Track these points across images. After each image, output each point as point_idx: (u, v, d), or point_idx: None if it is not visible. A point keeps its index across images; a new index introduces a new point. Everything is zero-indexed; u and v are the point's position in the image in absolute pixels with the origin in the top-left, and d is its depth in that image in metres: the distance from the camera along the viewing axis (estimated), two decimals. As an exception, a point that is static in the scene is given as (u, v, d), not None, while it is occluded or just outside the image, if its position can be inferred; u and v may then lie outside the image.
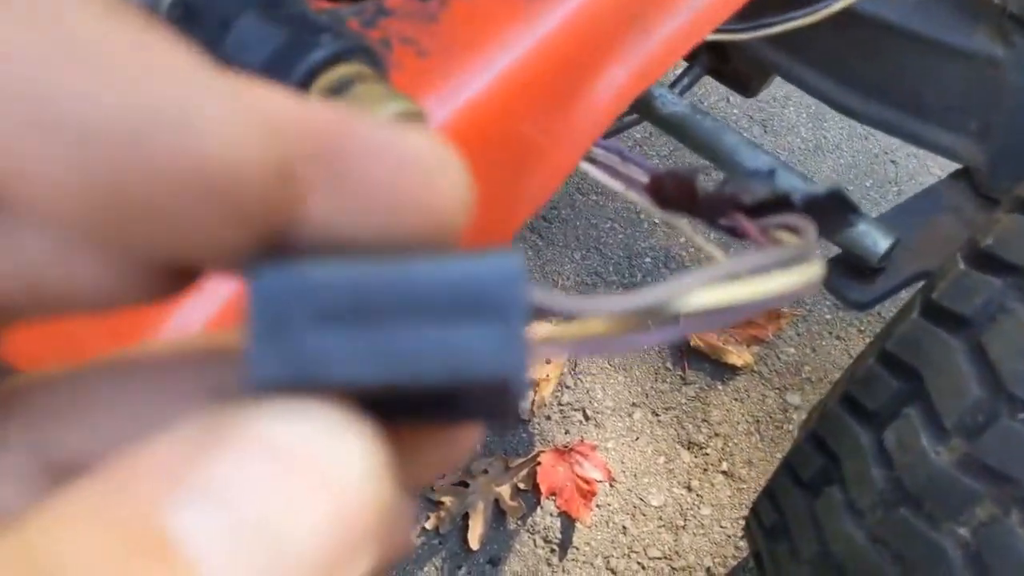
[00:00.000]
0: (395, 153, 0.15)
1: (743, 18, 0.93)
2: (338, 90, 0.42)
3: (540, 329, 0.17)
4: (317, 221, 0.15)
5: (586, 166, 0.61)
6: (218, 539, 0.13)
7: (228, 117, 0.13)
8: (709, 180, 0.38)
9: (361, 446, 0.14)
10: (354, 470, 0.14)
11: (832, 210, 0.27)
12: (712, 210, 0.32)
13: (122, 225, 0.13)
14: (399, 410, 0.16)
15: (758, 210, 0.29)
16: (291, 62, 0.41)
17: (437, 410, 0.17)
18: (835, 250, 0.96)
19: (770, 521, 0.89)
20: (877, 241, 0.90)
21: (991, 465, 0.66)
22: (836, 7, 0.79)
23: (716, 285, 0.19)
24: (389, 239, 0.16)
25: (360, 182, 0.15)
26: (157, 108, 0.13)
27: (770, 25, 0.77)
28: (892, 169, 1.65)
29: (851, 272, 0.95)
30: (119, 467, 0.13)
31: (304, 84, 0.41)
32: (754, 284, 0.19)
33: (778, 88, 1.73)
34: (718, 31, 0.76)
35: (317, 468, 0.14)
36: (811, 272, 0.21)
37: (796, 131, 1.69)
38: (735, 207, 0.30)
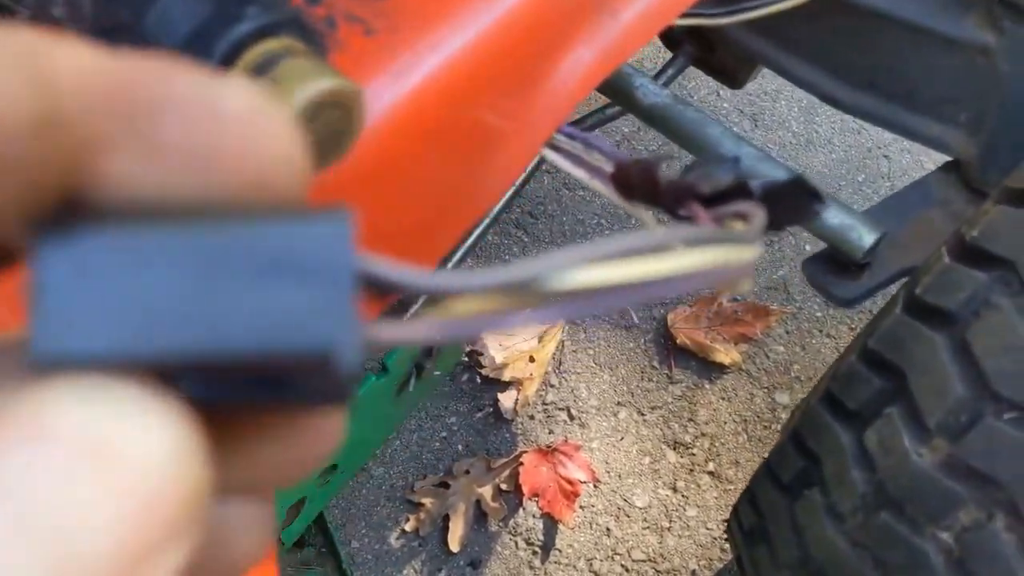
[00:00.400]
0: (207, 105, 0.14)
1: (723, 2, 0.90)
2: (264, 66, 0.39)
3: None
4: (123, 181, 0.14)
5: (549, 154, 0.58)
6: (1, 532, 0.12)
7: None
8: (672, 169, 0.35)
9: (162, 428, 0.13)
10: (153, 455, 0.13)
11: (794, 198, 0.26)
12: (673, 199, 0.30)
13: None
14: (220, 392, 0.15)
15: (717, 199, 0.27)
16: (214, 36, 0.39)
17: (263, 392, 0.15)
18: (821, 245, 0.93)
19: (750, 524, 0.86)
20: (863, 236, 0.87)
21: (975, 467, 0.64)
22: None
23: (602, 262, 0.16)
24: (210, 199, 0.14)
25: (169, 138, 0.14)
26: None
27: (748, 10, 0.74)
28: (885, 164, 1.62)
29: (837, 268, 0.92)
30: None
31: (228, 60, 0.39)
32: (647, 264, 0.17)
33: (769, 82, 1.70)
34: (695, 15, 0.74)
35: (109, 454, 0.13)
36: (727, 256, 0.19)
37: (787, 125, 1.66)
38: (694, 196, 0.29)
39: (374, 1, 0.49)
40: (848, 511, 0.72)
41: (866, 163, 1.63)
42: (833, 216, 0.88)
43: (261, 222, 0.14)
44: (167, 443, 0.13)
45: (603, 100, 1.07)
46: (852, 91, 0.99)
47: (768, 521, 0.82)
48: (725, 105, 1.68)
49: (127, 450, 0.13)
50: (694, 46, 1.13)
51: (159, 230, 0.14)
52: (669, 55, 1.17)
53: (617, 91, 0.98)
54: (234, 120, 0.14)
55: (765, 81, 1.64)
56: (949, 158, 0.97)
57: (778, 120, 1.67)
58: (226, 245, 0.14)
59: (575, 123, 1.21)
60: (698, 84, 1.69)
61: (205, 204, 0.14)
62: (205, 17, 0.39)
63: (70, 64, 0.13)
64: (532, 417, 1.39)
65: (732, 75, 1.16)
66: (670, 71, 1.12)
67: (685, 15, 0.71)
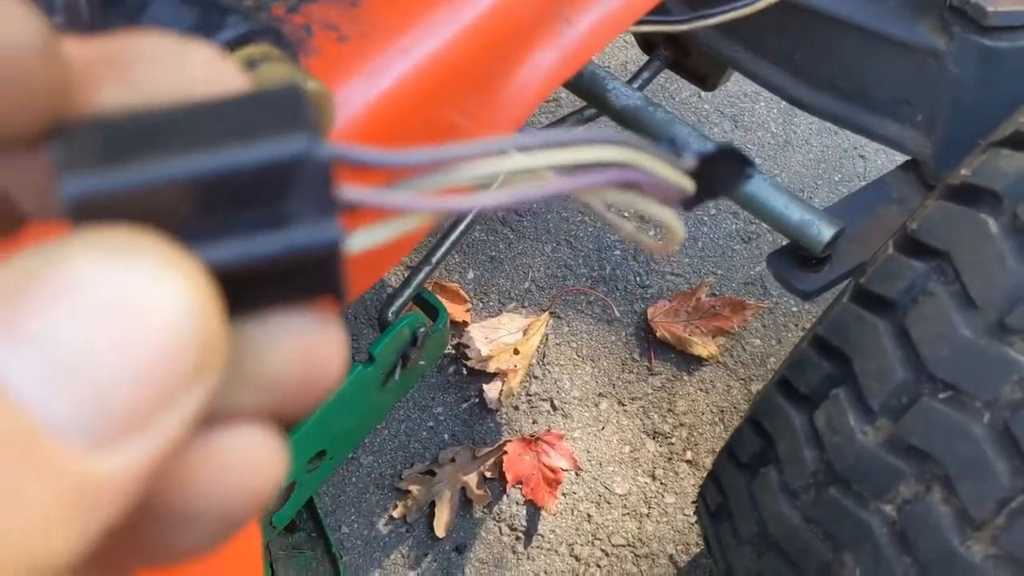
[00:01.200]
0: (178, 55, 0.18)
1: (690, 7, 0.95)
2: (243, 70, 0.43)
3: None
4: (113, 105, 0.17)
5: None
6: (36, 375, 0.14)
7: (4, 8, 0.16)
8: None
9: (177, 282, 0.15)
10: (169, 308, 0.15)
11: (727, 165, 0.28)
12: None
13: None
14: (228, 251, 0.17)
15: None
16: (199, 43, 0.43)
17: (264, 245, 0.17)
18: (783, 240, 0.98)
19: (715, 504, 0.91)
20: (821, 231, 0.92)
21: (914, 444, 0.68)
22: (773, -1, 0.81)
23: (537, 150, 0.20)
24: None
25: (150, 77, 0.18)
26: None
27: (707, 16, 0.79)
28: (861, 164, 1.67)
29: (799, 262, 0.97)
30: None
31: (211, 65, 0.43)
32: (576, 153, 0.20)
33: (749, 84, 1.74)
34: (653, 22, 0.78)
35: (133, 305, 0.14)
36: (651, 164, 0.21)
37: (766, 126, 1.71)
38: None
39: (348, 10, 0.54)
40: (801, 488, 0.77)
41: (843, 163, 1.67)
42: (794, 212, 0.93)
43: (220, 99, 0.17)
44: (183, 297, 0.15)
45: (581, 102, 1.12)
46: (815, 93, 1.03)
47: (730, 500, 0.87)
48: (706, 106, 1.73)
49: (146, 304, 0.14)
50: (669, 50, 1.18)
51: (144, 116, 0.17)
52: (645, 58, 1.21)
53: (591, 94, 1.02)
54: (192, 59, 0.18)
55: (745, 83, 1.69)
56: (905, 158, 1.02)
57: (757, 121, 1.71)
58: (201, 116, 0.17)
59: (556, 123, 1.26)
60: (680, 86, 1.74)
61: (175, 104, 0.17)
62: (190, 25, 0.44)
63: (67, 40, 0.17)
64: (516, 408, 1.43)
65: (705, 78, 1.20)
66: (645, 74, 1.16)
67: (643, 21, 0.75)
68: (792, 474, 0.77)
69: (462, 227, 1.09)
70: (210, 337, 0.15)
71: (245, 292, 0.17)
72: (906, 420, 0.68)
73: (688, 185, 0.23)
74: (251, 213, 0.17)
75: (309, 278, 0.18)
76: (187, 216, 0.16)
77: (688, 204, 0.24)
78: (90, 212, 0.16)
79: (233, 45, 0.43)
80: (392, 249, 0.62)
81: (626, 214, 1.36)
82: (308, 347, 0.18)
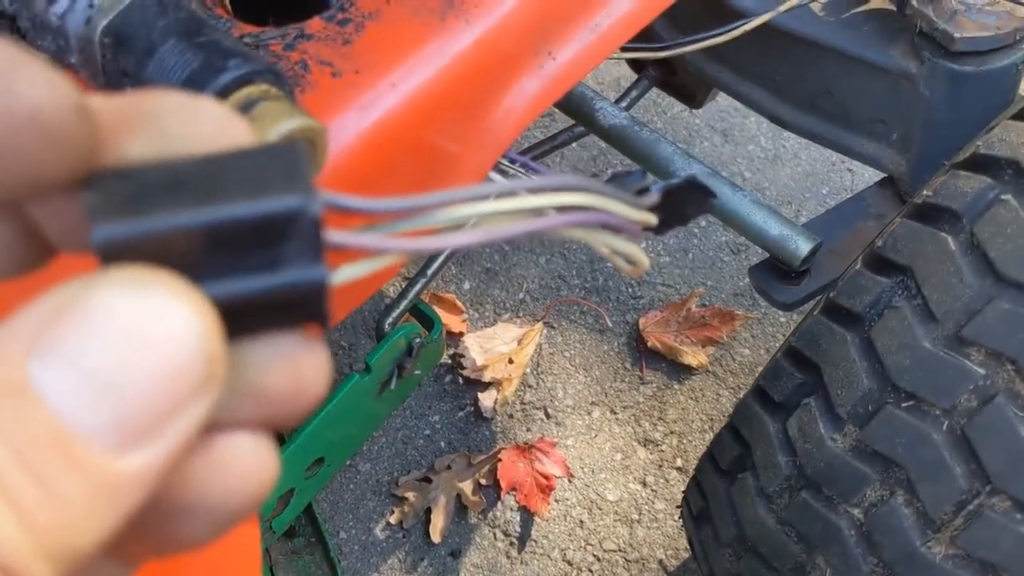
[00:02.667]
0: (193, 111, 0.21)
1: (679, 29, 0.99)
2: (245, 108, 0.47)
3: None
4: (139, 158, 0.20)
5: (495, 176, 0.67)
6: (69, 387, 0.16)
7: (43, 77, 0.18)
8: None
9: (189, 310, 0.18)
10: (182, 331, 0.17)
11: (690, 195, 0.30)
12: None
13: None
14: (230, 286, 0.19)
15: None
16: (203, 83, 0.47)
17: (258, 282, 0.20)
18: (764, 254, 1.02)
19: (697, 507, 0.94)
20: (799, 245, 0.96)
21: (879, 450, 0.72)
22: (751, 25, 0.85)
23: (506, 198, 0.22)
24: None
25: (168, 130, 0.21)
26: None
27: (689, 43, 0.83)
28: (848, 177, 1.71)
29: (779, 275, 1.00)
30: None
31: (215, 102, 0.47)
32: (539, 200, 0.22)
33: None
34: (638, 49, 0.82)
35: (150, 330, 0.17)
36: (613, 207, 0.24)
37: (756, 140, 1.75)
38: None
39: (341, 47, 0.58)
40: (775, 492, 0.80)
41: (830, 176, 1.71)
42: (773, 227, 0.97)
43: (230, 154, 0.20)
44: (190, 324, 0.17)
45: (570, 120, 1.16)
46: (796, 112, 1.07)
47: (711, 504, 0.90)
48: (697, 121, 1.77)
49: (161, 330, 0.17)
50: (657, 70, 1.22)
51: (168, 165, 0.20)
52: (634, 77, 1.26)
53: (580, 113, 1.06)
54: (204, 116, 0.21)
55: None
56: (884, 175, 1.06)
57: (747, 135, 1.75)
58: (212, 169, 0.19)
59: (548, 139, 1.30)
60: (671, 102, 1.78)
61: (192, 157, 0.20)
62: (195, 68, 0.48)
63: (95, 97, 0.20)
64: (511, 416, 1.47)
65: (692, 96, 1.25)
66: (634, 92, 1.20)
67: (626, 48, 0.79)
68: (767, 479, 0.81)
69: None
70: (213, 357, 0.18)
71: (243, 320, 0.20)
72: (871, 427, 0.72)
73: (649, 220, 0.25)
74: (252, 255, 0.19)
75: (298, 310, 0.20)
76: (197, 257, 0.19)
77: (658, 230, 0.28)
78: (116, 253, 0.18)
79: (235, 86, 0.47)
80: (378, 275, 0.66)
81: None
82: (296, 366, 0.20)
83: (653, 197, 0.26)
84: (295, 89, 0.54)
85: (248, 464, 0.20)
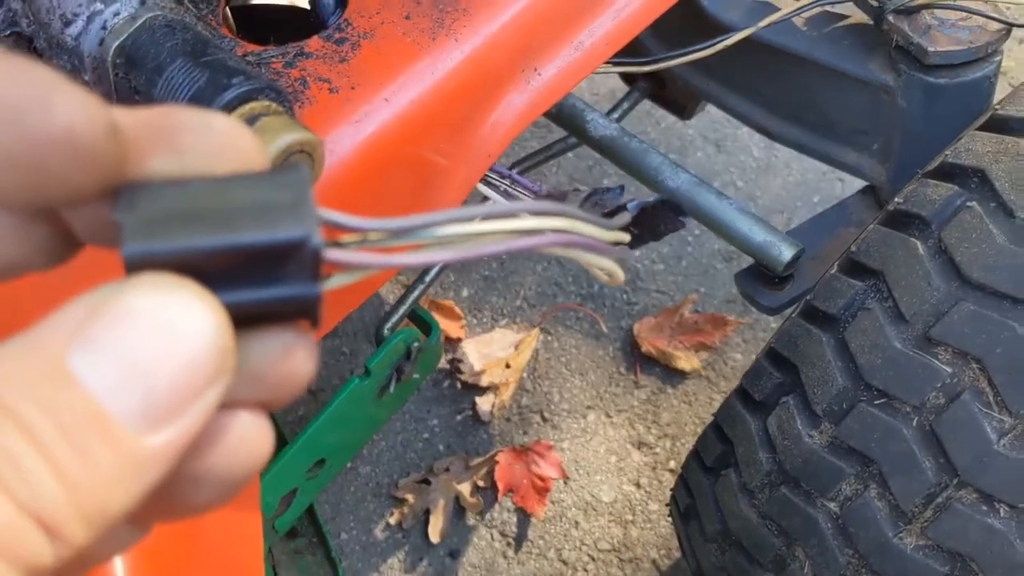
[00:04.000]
0: (206, 126, 0.24)
1: (668, 43, 1.02)
2: (249, 122, 0.51)
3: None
4: (161, 172, 0.23)
5: (483, 188, 0.70)
6: (105, 374, 0.19)
7: (79, 101, 0.21)
8: (578, 197, 0.47)
9: (206, 310, 0.21)
10: (201, 328, 0.20)
11: (663, 214, 0.33)
12: None
13: (17, 177, 0.21)
14: (237, 294, 0.22)
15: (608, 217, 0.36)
16: (209, 100, 0.51)
17: (260, 291, 0.22)
18: (748, 260, 1.05)
19: (684, 504, 0.98)
20: (782, 251, 0.99)
21: (853, 446, 0.75)
22: (734, 39, 0.88)
23: (483, 220, 0.25)
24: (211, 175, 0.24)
25: (185, 144, 0.24)
26: (25, 97, 0.21)
27: (673, 57, 0.86)
28: (839, 186, 1.75)
29: (763, 280, 1.04)
30: (39, 326, 0.20)
31: (220, 118, 0.51)
32: (520, 223, 0.25)
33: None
34: (624, 63, 0.86)
35: (174, 327, 0.20)
36: (588, 230, 0.26)
37: (748, 151, 1.78)
38: None
39: (338, 65, 0.61)
40: (757, 487, 0.84)
41: (821, 186, 1.75)
42: (757, 234, 1.00)
43: (244, 177, 0.23)
44: (208, 322, 0.20)
45: (562, 131, 1.19)
46: (781, 123, 1.11)
47: (697, 500, 0.94)
48: (690, 131, 1.80)
49: (183, 327, 0.20)
50: (647, 82, 1.26)
51: (188, 185, 0.22)
52: (626, 89, 1.29)
53: (572, 124, 1.10)
54: (221, 132, 0.24)
55: (728, 109, 1.77)
56: (866, 183, 1.09)
57: (740, 145, 1.79)
58: (227, 194, 0.22)
59: (544, 149, 1.33)
60: (664, 113, 1.81)
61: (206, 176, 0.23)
62: (202, 85, 0.51)
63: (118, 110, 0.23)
64: (508, 419, 1.50)
65: (681, 108, 1.28)
66: (625, 104, 1.24)
67: (611, 62, 0.83)
68: (749, 475, 0.84)
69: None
70: (226, 350, 0.21)
71: (245, 320, 0.23)
72: (846, 424, 0.75)
73: (621, 238, 0.28)
74: (257, 272, 0.22)
75: (293, 311, 0.24)
76: (211, 270, 0.22)
77: (632, 244, 0.30)
78: (142, 265, 0.21)
79: (239, 102, 0.51)
80: (372, 279, 0.70)
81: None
82: (290, 355, 0.23)
83: (625, 217, 0.28)
84: (295, 104, 0.58)
85: (250, 438, 0.23)
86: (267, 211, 0.22)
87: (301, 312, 0.24)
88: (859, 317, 0.76)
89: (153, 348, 0.20)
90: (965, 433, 0.69)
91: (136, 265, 0.21)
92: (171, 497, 0.23)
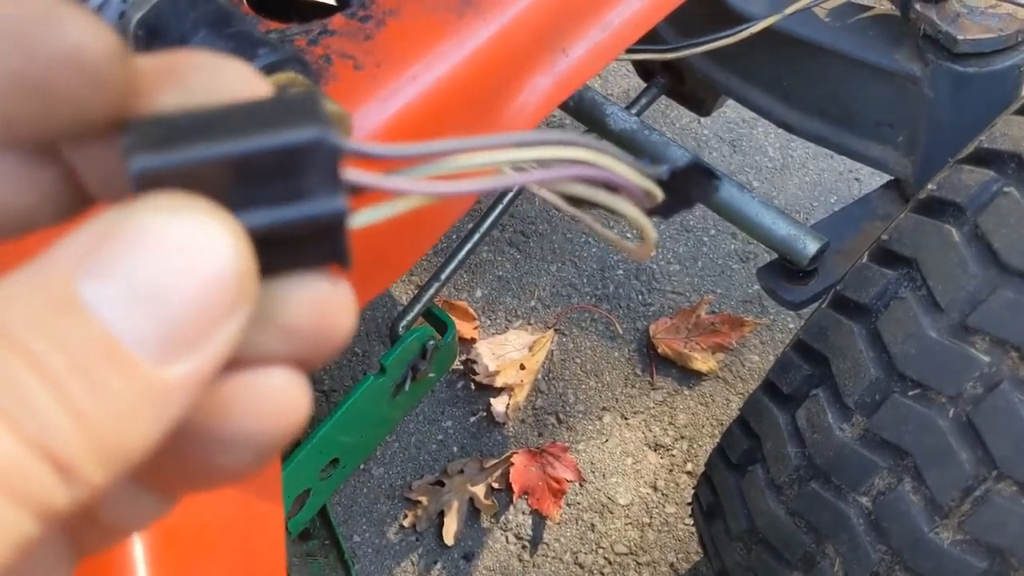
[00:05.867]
0: (218, 67, 0.22)
1: (681, 35, 1.01)
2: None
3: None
4: (167, 104, 0.22)
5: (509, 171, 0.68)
6: (117, 301, 0.18)
7: (87, 20, 0.20)
8: None
9: (222, 229, 0.19)
10: (218, 248, 0.18)
11: (695, 177, 0.31)
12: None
13: (24, 103, 0.20)
14: (259, 216, 0.20)
15: None
16: (234, 71, 0.49)
17: (282, 214, 0.21)
18: (772, 255, 1.03)
19: (707, 503, 0.96)
20: (807, 245, 0.97)
21: (886, 439, 0.73)
22: (757, 28, 0.87)
23: (505, 149, 0.23)
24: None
25: (196, 84, 0.22)
26: (31, 17, 0.19)
27: (697, 44, 0.85)
28: (856, 186, 1.73)
29: (787, 275, 1.02)
30: (46, 255, 0.18)
31: (245, 89, 0.49)
32: (534, 151, 0.23)
33: (747, 110, 1.81)
34: (643, 51, 0.84)
35: (189, 248, 0.18)
36: (622, 169, 0.24)
37: (764, 151, 1.77)
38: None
39: (362, 42, 0.60)
40: (785, 483, 0.82)
41: (838, 186, 1.73)
42: (781, 228, 0.98)
43: (255, 101, 0.21)
44: (225, 241, 0.19)
45: (581, 125, 1.18)
46: (802, 117, 1.09)
47: (722, 498, 0.92)
48: (705, 132, 1.79)
49: (198, 247, 0.18)
50: (665, 77, 1.24)
51: (193, 113, 0.21)
52: (643, 85, 1.28)
53: (592, 118, 1.09)
54: (230, 72, 0.22)
55: (743, 109, 1.74)
56: (889, 178, 1.07)
57: (755, 145, 1.77)
58: (238, 113, 0.21)
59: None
60: (680, 113, 1.80)
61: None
62: (226, 55, 0.50)
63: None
64: (523, 421, 1.49)
65: (700, 104, 1.27)
66: (643, 100, 1.22)
67: (635, 50, 0.81)
68: (777, 470, 0.82)
69: (469, 246, 1.15)
70: (246, 273, 0.19)
71: (269, 256, 0.20)
72: (879, 416, 0.73)
73: (654, 189, 0.26)
74: (275, 189, 0.20)
75: (319, 246, 0.21)
76: (224, 189, 0.20)
77: (664, 212, 0.28)
78: (151, 184, 0.20)
79: (264, 73, 0.49)
80: (394, 260, 0.68)
81: (611, 223, 1.43)
82: (322, 301, 0.21)
83: (660, 170, 0.26)
84: (320, 81, 0.56)
85: (284, 396, 0.21)
86: (281, 120, 0.21)
87: (327, 242, 0.21)
88: (892, 306, 0.74)
89: (168, 272, 0.18)
90: (1004, 423, 0.67)
91: (144, 183, 0.20)
92: (198, 460, 0.21)
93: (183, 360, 0.18)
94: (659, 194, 0.26)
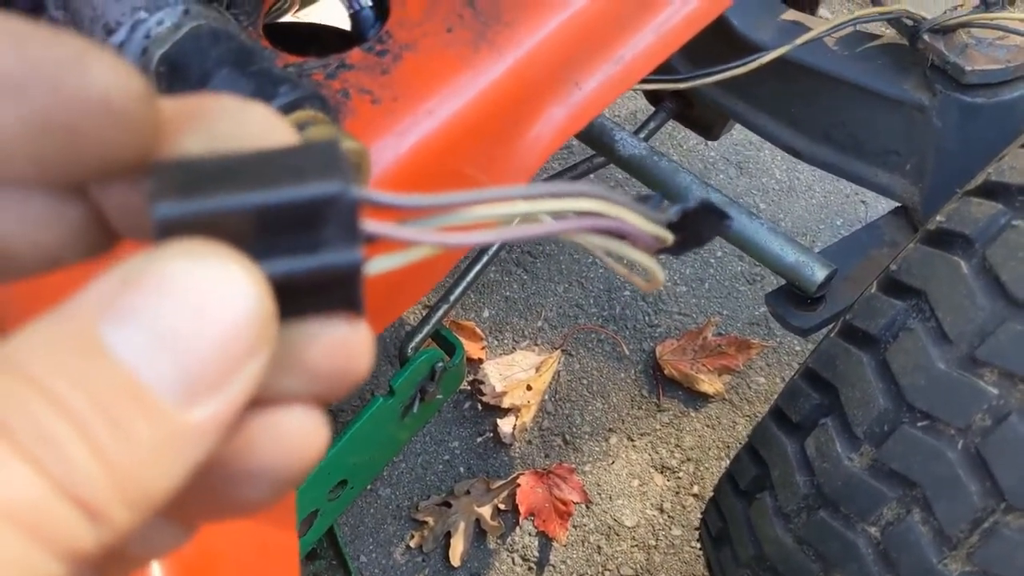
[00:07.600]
0: (242, 112, 0.23)
1: (692, 64, 1.02)
2: (295, 132, 0.50)
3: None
4: (192, 149, 0.22)
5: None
6: (141, 346, 0.18)
7: (114, 64, 0.20)
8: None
9: (243, 275, 0.19)
10: (239, 294, 0.19)
11: (705, 217, 0.32)
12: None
13: (53, 144, 0.20)
14: (279, 265, 0.21)
15: None
16: (255, 108, 0.50)
17: (300, 261, 0.21)
18: (779, 284, 1.04)
19: (715, 528, 0.96)
20: (815, 272, 0.98)
21: (895, 469, 0.74)
22: (768, 58, 0.88)
23: (529, 200, 0.24)
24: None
25: (220, 129, 0.22)
26: (59, 60, 0.20)
27: (709, 75, 0.86)
28: (862, 209, 1.73)
29: (795, 301, 1.03)
30: (70, 301, 0.19)
31: (266, 126, 0.50)
32: (545, 203, 0.24)
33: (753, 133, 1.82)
34: (656, 81, 0.85)
35: (212, 294, 0.19)
36: (631, 218, 0.25)
37: (770, 173, 1.78)
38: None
39: (379, 76, 0.61)
40: (793, 511, 0.82)
41: (844, 208, 1.74)
42: (789, 254, 0.99)
43: (277, 150, 0.22)
44: (245, 288, 0.19)
45: (590, 150, 1.19)
46: (810, 143, 1.10)
47: (730, 524, 0.92)
48: (712, 154, 1.80)
49: (220, 293, 0.19)
50: (674, 102, 1.25)
51: (221, 159, 0.21)
52: (652, 110, 1.29)
53: (600, 143, 1.09)
54: (255, 118, 0.23)
55: (750, 132, 1.76)
56: (898, 204, 1.08)
57: (762, 168, 1.78)
58: (260, 161, 0.21)
59: (568, 170, 1.33)
60: (687, 135, 1.81)
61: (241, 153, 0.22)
62: (248, 94, 0.51)
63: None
64: (529, 442, 1.49)
65: (708, 128, 1.27)
66: (652, 124, 1.23)
67: (647, 80, 0.82)
68: (785, 498, 0.82)
69: (478, 268, 1.16)
70: (266, 318, 0.19)
71: (287, 300, 0.21)
72: (887, 446, 0.74)
73: (664, 235, 0.26)
74: (294, 237, 0.21)
75: (335, 294, 0.22)
76: (245, 238, 0.21)
77: (675, 251, 0.29)
78: (174, 230, 0.20)
79: (285, 111, 0.50)
80: (409, 289, 0.69)
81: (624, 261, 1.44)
82: (340, 343, 0.22)
83: (670, 214, 0.27)
84: (337, 117, 0.57)
85: (302, 433, 0.22)
86: (301, 172, 0.21)
87: (342, 290, 0.22)
88: (901, 337, 0.75)
89: (190, 317, 0.18)
90: (1012, 456, 0.68)
91: (168, 229, 0.20)
92: (219, 493, 0.22)
93: (206, 403, 0.19)
94: (669, 238, 0.27)
